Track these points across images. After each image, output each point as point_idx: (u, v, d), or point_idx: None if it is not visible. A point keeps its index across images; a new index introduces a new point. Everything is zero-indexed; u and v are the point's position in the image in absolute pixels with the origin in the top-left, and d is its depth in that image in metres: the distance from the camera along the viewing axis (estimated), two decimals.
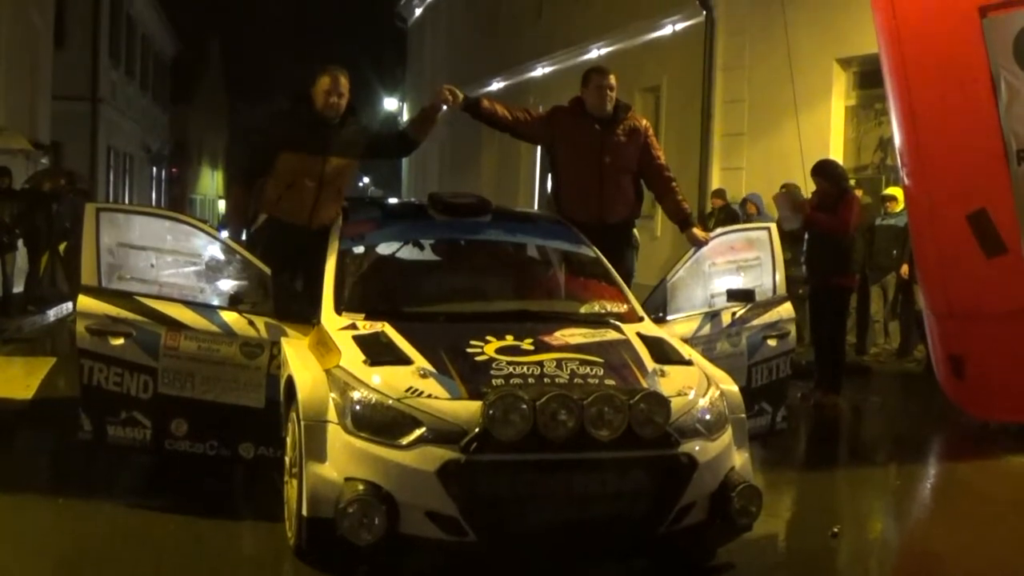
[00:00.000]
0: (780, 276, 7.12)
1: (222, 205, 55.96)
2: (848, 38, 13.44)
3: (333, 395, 4.94)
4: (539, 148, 22.47)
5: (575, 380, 4.96)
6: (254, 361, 5.88)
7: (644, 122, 7.46)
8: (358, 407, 4.83)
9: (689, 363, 5.45)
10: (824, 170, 9.86)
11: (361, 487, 4.66)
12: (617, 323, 5.87)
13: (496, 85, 25.91)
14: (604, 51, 20.02)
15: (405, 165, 40.77)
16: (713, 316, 6.67)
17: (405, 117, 40.06)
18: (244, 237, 6.71)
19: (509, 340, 5.28)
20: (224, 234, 6.39)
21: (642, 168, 7.35)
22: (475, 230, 6.61)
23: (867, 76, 13.78)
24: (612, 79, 7.28)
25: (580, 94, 7.37)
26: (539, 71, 23.41)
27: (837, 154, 13.74)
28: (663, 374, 5.22)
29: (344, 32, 61.01)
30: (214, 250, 6.16)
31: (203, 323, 5.88)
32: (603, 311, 6.10)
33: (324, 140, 6.64)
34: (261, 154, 6.74)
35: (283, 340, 5.76)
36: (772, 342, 6.87)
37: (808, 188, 10.15)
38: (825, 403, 9.70)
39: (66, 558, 5.29)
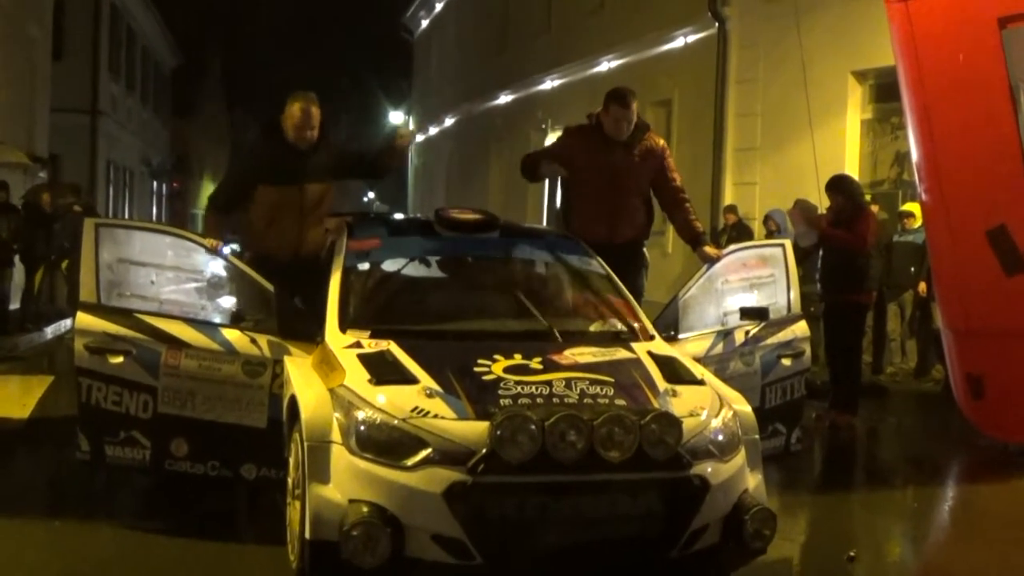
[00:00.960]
0: (795, 294, 7.12)
1: None
2: (864, 50, 13.47)
3: (337, 415, 4.94)
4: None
5: (585, 400, 4.95)
6: (256, 380, 5.89)
7: (661, 142, 7.51)
8: (363, 427, 4.83)
9: (701, 383, 5.45)
10: (839, 185, 9.86)
11: (366, 509, 4.66)
12: (628, 342, 5.87)
13: (504, 99, 25.98)
14: (615, 64, 20.08)
15: (411, 180, 40.84)
16: (726, 335, 6.67)
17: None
18: None
19: (517, 359, 5.28)
20: (226, 250, 6.41)
21: (656, 189, 7.40)
22: (482, 247, 6.62)
23: (883, 89, 13.81)
24: (633, 109, 7.34)
25: (599, 113, 7.39)
26: (548, 84, 23.47)
27: (853, 169, 13.76)
28: (675, 394, 5.21)
29: (348, 44, 61.23)
30: (216, 266, 6.18)
31: (204, 341, 5.89)
32: (613, 329, 6.10)
33: (299, 169, 6.73)
34: (239, 187, 6.82)
35: (286, 358, 5.76)
36: (786, 361, 6.86)
37: (823, 204, 10.15)
38: (840, 424, 9.69)
39: None
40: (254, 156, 6.86)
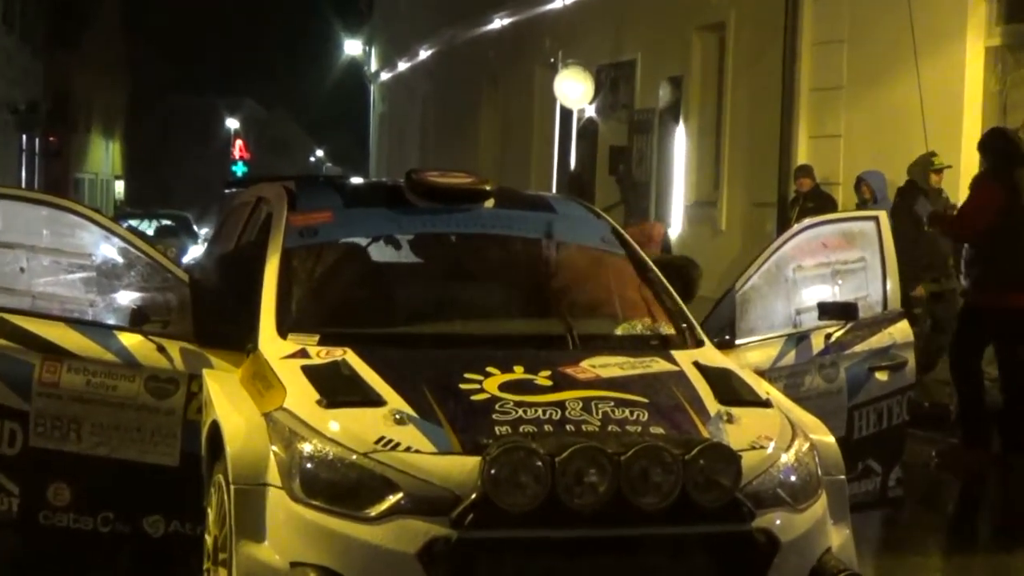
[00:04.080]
0: (893, 284, 7.12)
1: (120, 187, 56.14)
2: None
3: (275, 448, 4.96)
4: (557, 116, 22.55)
5: (609, 427, 4.98)
6: (165, 402, 5.92)
7: None
8: (309, 465, 4.86)
9: (767, 404, 5.49)
10: (996, 145, 9.84)
11: (313, 575, 4.69)
12: (668, 349, 5.91)
13: (499, 22, 25.94)
14: None
15: (373, 132, 40.82)
16: (800, 340, 6.71)
17: (373, 67, 40.15)
18: None
19: (518, 372, 5.32)
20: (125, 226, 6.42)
21: None
22: (470, 221, 6.62)
23: (1017, 5, 13.78)
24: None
25: None
26: (558, 2, 23.45)
27: (973, 114, 13.71)
28: (731, 419, 5.24)
29: None
30: (110, 249, 6.20)
31: (94, 349, 5.92)
32: (647, 332, 6.14)
33: None
34: None
35: (206, 373, 5.79)
36: (882, 376, 6.89)
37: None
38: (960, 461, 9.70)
39: None
40: None
